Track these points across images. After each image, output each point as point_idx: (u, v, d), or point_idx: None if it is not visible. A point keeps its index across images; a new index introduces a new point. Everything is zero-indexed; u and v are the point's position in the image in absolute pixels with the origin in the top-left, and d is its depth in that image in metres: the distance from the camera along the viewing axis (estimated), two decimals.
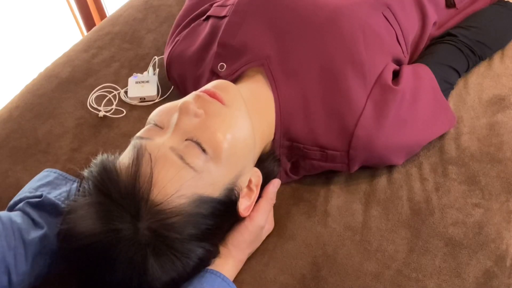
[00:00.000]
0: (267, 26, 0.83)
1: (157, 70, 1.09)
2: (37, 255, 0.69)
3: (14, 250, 0.67)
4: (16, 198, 0.76)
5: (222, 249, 0.72)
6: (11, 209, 0.75)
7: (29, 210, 0.72)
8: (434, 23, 0.97)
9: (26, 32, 2.03)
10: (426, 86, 0.85)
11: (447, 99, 0.90)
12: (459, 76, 0.94)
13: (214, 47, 0.87)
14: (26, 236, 0.69)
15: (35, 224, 0.71)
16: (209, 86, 0.73)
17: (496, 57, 1.00)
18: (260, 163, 0.77)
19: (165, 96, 1.04)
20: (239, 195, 0.71)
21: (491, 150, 0.86)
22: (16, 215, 0.71)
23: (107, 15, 1.60)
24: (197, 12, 0.98)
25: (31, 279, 0.69)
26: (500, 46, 1.01)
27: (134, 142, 0.67)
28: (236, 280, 0.74)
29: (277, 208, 0.82)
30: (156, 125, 0.70)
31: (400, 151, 0.82)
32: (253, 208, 0.74)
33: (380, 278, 0.74)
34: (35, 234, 0.70)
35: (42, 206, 0.73)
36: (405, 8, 0.90)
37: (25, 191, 0.78)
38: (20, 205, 0.74)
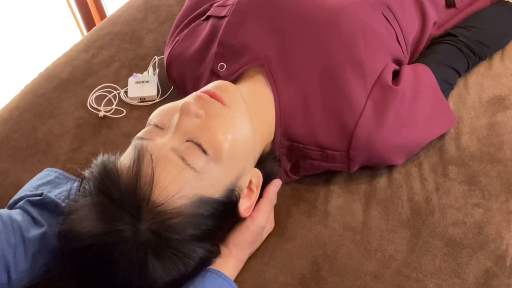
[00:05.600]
0: (267, 26, 0.83)
1: (157, 70, 1.09)
2: (36, 253, 0.69)
3: (14, 247, 0.67)
4: (16, 197, 0.76)
5: (223, 249, 0.72)
6: (11, 207, 0.75)
7: (29, 208, 0.72)
8: (434, 23, 0.97)
9: (26, 32, 2.03)
10: (426, 86, 0.85)
11: (447, 99, 0.90)
12: (459, 76, 0.94)
13: (214, 47, 0.87)
14: (26, 234, 0.69)
15: (35, 222, 0.71)
16: (209, 86, 0.73)
17: (496, 57, 1.00)
18: (260, 163, 0.77)
19: (165, 96, 1.04)
20: (239, 196, 0.71)
21: (491, 150, 0.86)
22: (16, 213, 0.71)
23: (107, 15, 1.59)
24: (197, 12, 0.98)
25: (30, 276, 0.69)
26: (500, 46, 1.01)
27: (135, 142, 0.67)
28: (236, 279, 0.74)
29: (277, 208, 0.82)
30: (156, 125, 0.70)
31: (400, 151, 0.82)
32: (254, 208, 0.74)
33: (380, 278, 0.75)
34: (35, 232, 0.70)
35: (43, 204, 0.73)
36: (405, 8, 0.90)
37: (25, 190, 0.78)
38: (21, 203, 0.74)
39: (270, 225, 0.80)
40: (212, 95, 0.70)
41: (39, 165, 0.93)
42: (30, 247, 0.69)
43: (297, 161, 0.83)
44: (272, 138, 0.81)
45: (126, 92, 1.05)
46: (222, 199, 0.68)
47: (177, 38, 0.95)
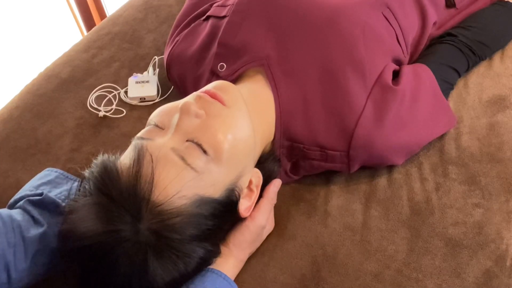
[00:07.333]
0: (267, 26, 0.83)
1: (157, 70, 1.09)
2: (36, 253, 0.69)
3: (13, 247, 0.67)
4: (16, 196, 0.76)
5: (223, 249, 0.72)
6: (11, 207, 0.75)
7: (29, 207, 0.72)
8: (434, 23, 0.97)
9: (26, 32, 2.03)
10: (426, 86, 0.85)
11: (447, 99, 0.90)
12: (459, 76, 0.94)
13: (214, 47, 0.87)
14: (26, 233, 0.69)
15: (35, 221, 0.71)
16: (209, 86, 0.73)
17: (496, 57, 1.00)
18: (260, 163, 0.77)
19: (165, 96, 1.04)
20: (239, 196, 0.71)
21: (491, 150, 0.86)
22: (16, 213, 0.71)
23: (107, 15, 1.59)
24: (197, 12, 0.98)
25: (30, 276, 0.69)
26: (500, 46, 1.01)
27: (135, 142, 0.67)
28: (236, 280, 0.74)
29: (277, 208, 0.82)
30: (156, 125, 0.70)
31: (400, 151, 0.82)
32: (254, 208, 0.74)
33: (380, 278, 0.75)
34: (35, 231, 0.70)
35: (43, 204, 0.73)
36: (405, 8, 0.90)
37: (25, 190, 0.78)
38: (21, 202, 0.74)
39: (270, 225, 0.80)
40: (212, 95, 0.70)
41: (39, 165, 0.93)
42: (30, 246, 0.69)
43: (297, 161, 0.83)
44: (272, 138, 0.81)
45: (126, 92, 1.05)
46: (222, 199, 0.68)
47: (177, 38, 0.95)
